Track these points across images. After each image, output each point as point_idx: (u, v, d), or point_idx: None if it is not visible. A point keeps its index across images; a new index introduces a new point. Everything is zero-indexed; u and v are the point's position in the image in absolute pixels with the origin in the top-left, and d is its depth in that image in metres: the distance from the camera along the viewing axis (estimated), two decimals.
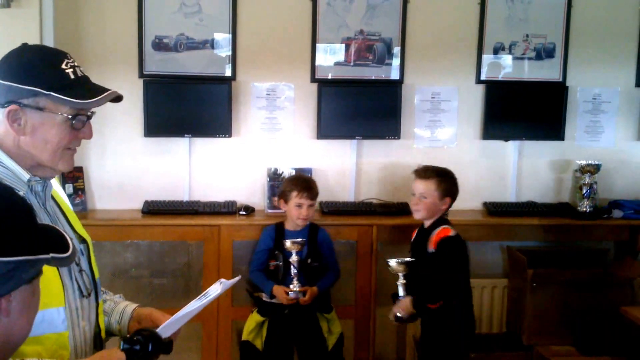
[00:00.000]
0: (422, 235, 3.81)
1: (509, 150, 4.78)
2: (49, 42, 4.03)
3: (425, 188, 3.75)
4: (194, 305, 1.91)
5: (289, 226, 4.11)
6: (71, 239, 1.31)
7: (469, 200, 4.64)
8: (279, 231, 4.11)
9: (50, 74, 1.77)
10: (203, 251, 4.25)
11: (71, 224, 1.95)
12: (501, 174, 4.80)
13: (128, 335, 1.72)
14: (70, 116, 1.79)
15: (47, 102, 1.76)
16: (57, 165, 1.84)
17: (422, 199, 3.75)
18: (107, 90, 1.85)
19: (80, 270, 1.93)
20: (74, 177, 4.36)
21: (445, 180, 3.79)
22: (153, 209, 4.35)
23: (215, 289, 1.94)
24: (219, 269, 4.24)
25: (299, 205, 3.99)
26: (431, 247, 3.66)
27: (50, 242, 1.26)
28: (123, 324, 2.10)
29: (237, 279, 2.02)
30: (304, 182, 4.07)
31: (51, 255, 1.24)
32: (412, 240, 3.92)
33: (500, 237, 4.57)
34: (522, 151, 4.79)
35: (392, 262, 3.57)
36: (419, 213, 3.79)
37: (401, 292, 3.58)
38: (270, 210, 4.46)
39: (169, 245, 4.26)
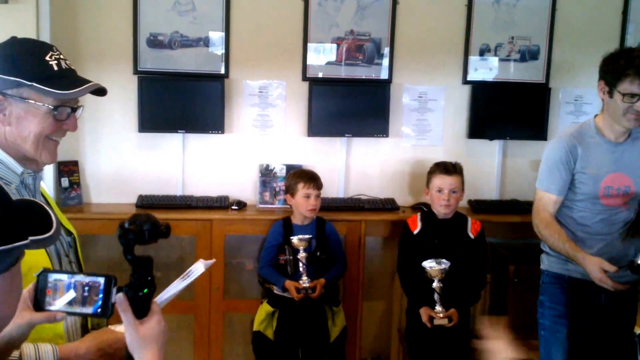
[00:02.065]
0: (443, 226, 3.91)
1: (493, 149, 4.81)
2: (45, 38, 4.00)
3: (457, 182, 3.91)
4: (178, 285, 1.86)
5: (296, 220, 4.12)
6: (54, 214, 1.22)
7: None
8: (287, 226, 4.12)
9: (33, 66, 1.78)
10: (196, 245, 4.24)
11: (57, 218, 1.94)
12: (485, 173, 4.83)
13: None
14: (52, 107, 1.80)
15: (30, 92, 1.77)
16: (40, 156, 1.84)
17: (453, 193, 3.88)
18: (87, 81, 1.86)
19: (71, 262, 1.97)
20: (70, 171, 4.36)
21: (463, 173, 4.02)
22: (147, 203, 4.34)
23: (197, 268, 1.91)
24: None
25: (307, 196, 4.02)
26: (472, 234, 3.90)
27: (29, 223, 1.16)
28: None
29: (213, 261, 1.99)
30: (308, 174, 4.12)
31: (30, 239, 1.13)
32: (416, 232, 3.94)
33: (485, 234, 4.56)
34: (506, 150, 4.82)
35: (429, 266, 3.61)
36: (450, 207, 3.90)
37: (437, 296, 3.63)
38: (261, 205, 4.47)
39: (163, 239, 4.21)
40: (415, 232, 3.95)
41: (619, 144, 3.17)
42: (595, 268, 3.00)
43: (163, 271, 4.18)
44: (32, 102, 1.78)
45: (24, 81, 1.75)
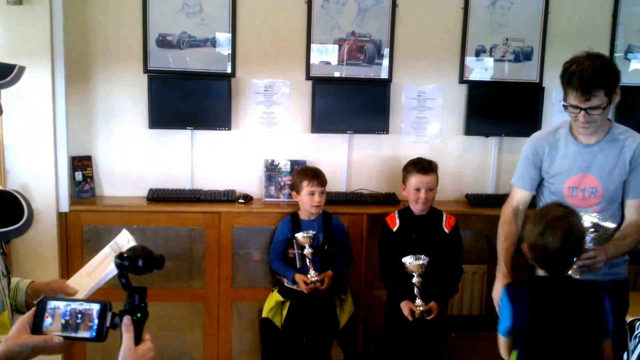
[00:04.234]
0: (420, 222, 3.92)
1: (489, 145, 4.86)
2: (59, 38, 4.04)
3: (433, 180, 3.91)
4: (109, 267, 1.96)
5: (303, 216, 4.16)
6: (26, 202, 1.21)
7: (451, 191, 4.81)
8: (295, 221, 4.16)
9: None
10: (204, 236, 4.28)
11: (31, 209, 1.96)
12: (482, 168, 4.89)
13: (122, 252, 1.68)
14: None
15: None
16: None
17: (429, 191, 3.89)
18: (13, 66, 1.86)
19: (2, 253, 1.96)
20: (83, 166, 4.40)
21: (437, 170, 4.00)
22: (157, 196, 4.40)
23: (125, 237, 1.96)
24: (219, 253, 4.29)
25: (311, 194, 4.05)
26: (447, 229, 3.91)
27: None
28: (19, 300, 2.08)
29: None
30: (312, 172, 4.14)
31: None
32: (395, 229, 3.94)
33: (480, 226, 4.60)
34: (501, 146, 4.87)
35: (408, 262, 3.63)
36: (427, 205, 3.92)
37: (417, 290, 3.67)
38: (267, 199, 4.52)
39: (173, 230, 4.28)
40: (395, 229, 3.95)
41: (590, 146, 3.10)
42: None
43: (173, 261, 4.24)
44: None
45: None
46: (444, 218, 3.98)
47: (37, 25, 3.95)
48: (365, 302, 4.43)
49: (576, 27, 4.83)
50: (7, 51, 3.89)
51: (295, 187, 4.13)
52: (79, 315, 1.61)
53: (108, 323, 1.61)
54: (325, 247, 4.08)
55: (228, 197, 4.43)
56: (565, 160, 3.16)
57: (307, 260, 3.90)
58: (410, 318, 3.69)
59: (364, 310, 4.42)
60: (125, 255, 1.63)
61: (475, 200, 4.69)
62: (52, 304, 1.63)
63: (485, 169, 4.88)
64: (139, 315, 1.63)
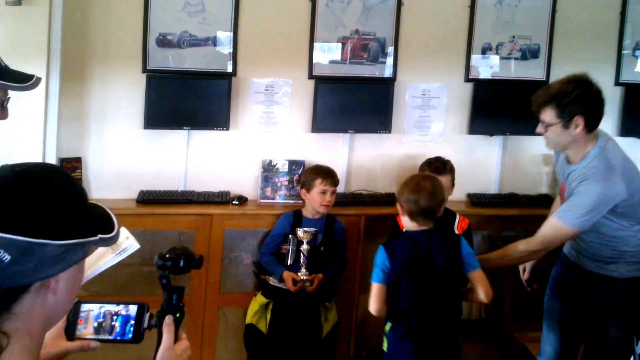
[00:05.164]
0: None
1: (493, 144, 4.77)
2: (56, 39, 3.98)
3: (447, 182, 3.86)
4: (112, 260, 1.95)
5: (307, 214, 4.09)
6: (115, 217, 1.32)
7: (454, 191, 4.61)
8: (297, 218, 4.09)
9: None
10: (194, 239, 4.17)
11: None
12: (485, 167, 4.80)
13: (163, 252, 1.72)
14: (4, 99, 1.88)
15: None
16: None
17: None
18: (32, 75, 1.94)
19: None
20: (72, 168, 4.26)
21: (453, 170, 4.02)
22: (147, 198, 4.26)
23: (132, 245, 1.97)
24: (209, 256, 4.14)
25: (324, 192, 3.98)
26: (458, 231, 3.90)
27: (98, 222, 1.27)
28: None
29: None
30: (326, 170, 4.08)
31: (99, 236, 1.24)
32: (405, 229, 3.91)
33: (482, 227, 4.53)
34: (505, 146, 4.78)
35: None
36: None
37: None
38: (262, 200, 4.44)
39: (162, 234, 4.15)
40: (404, 229, 3.89)
41: (570, 164, 3.18)
42: None
43: None
44: None
45: None
46: (457, 220, 3.95)
47: (35, 25, 3.91)
48: (359, 307, 4.33)
49: (584, 24, 4.73)
50: (2, 52, 3.86)
51: (305, 185, 4.05)
52: (114, 317, 1.62)
53: (146, 324, 1.62)
54: (322, 248, 4.00)
55: (222, 199, 4.33)
56: (560, 172, 3.34)
57: (302, 257, 3.84)
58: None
59: (357, 315, 4.35)
60: (167, 256, 1.68)
61: (477, 200, 4.61)
62: (85, 306, 1.63)
63: (489, 168, 4.79)
64: (177, 315, 1.65)
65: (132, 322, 1.61)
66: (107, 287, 3.80)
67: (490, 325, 4.49)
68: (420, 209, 3.11)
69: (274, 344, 3.95)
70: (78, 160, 4.35)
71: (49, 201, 1.18)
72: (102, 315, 1.61)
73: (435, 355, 3.14)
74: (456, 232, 3.89)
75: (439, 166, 3.94)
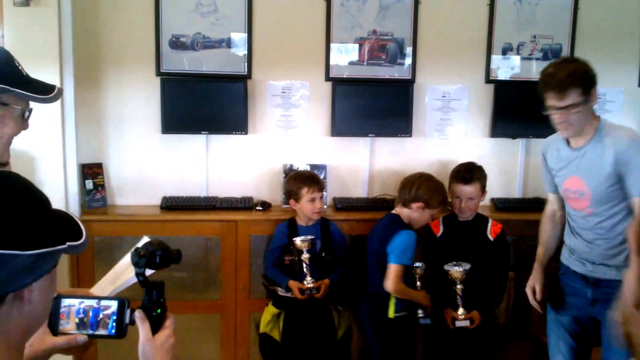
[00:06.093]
0: (464, 228, 3.90)
1: (516, 148, 4.62)
2: (67, 41, 3.86)
3: (473, 190, 3.87)
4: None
5: (301, 222, 3.98)
6: (82, 224, 1.30)
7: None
8: (291, 227, 3.98)
9: (10, 72, 1.80)
10: (221, 246, 4.08)
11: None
12: (508, 171, 4.66)
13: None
14: (27, 110, 1.85)
15: (9, 97, 1.80)
16: (3, 156, 1.88)
17: (469, 200, 3.86)
18: (53, 86, 1.90)
19: None
20: (94, 173, 4.20)
21: (483, 177, 3.95)
22: (171, 204, 4.19)
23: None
24: (236, 262, 4.10)
25: (312, 200, 3.87)
26: (492, 236, 3.87)
27: (66, 230, 1.24)
28: None
29: None
30: (310, 177, 3.96)
31: (67, 244, 1.22)
32: (439, 234, 3.95)
33: (507, 232, 4.35)
34: (529, 149, 4.62)
35: (452, 269, 3.66)
36: (467, 214, 3.90)
37: (459, 298, 3.68)
38: (286, 206, 4.26)
39: (188, 240, 4.07)
40: (438, 235, 3.93)
41: (578, 149, 3.09)
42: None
43: (189, 272, 4.03)
44: (11, 106, 1.81)
45: (8, 87, 1.76)
46: (489, 225, 3.91)
47: (45, 27, 3.77)
48: None
49: (607, 23, 4.58)
50: (14, 55, 3.66)
51: (293, 195, 3.92)
52: (97, 313, 1.61)
53: (127, 319, 1.61)
54: (323, 254, 3.90)
55: (245, 205, 4.22)
56: (560, 163, 3.22)
57: (304, 265, 3.74)
58: (451, 327, 3.68)
59: None
60: (142, 252, 1.63)
61: (501, 204, 4.47)
62: (66, 301, 1.62)
63: (512, 172, 4.64)
64: (159, 311, 1.62)
65: (115, 317, 1.60)
66: (125, 292, 3.64)
67: (516, 330, 4.36)
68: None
69: (288, 352, 3.89)
70: (99, 166, 4.25)
71: (14, 210, 1.16)
72: (82, 310, 1.61)
73: None
74: (489, 237, 3.87)
75: (466, 176, 3.89)
